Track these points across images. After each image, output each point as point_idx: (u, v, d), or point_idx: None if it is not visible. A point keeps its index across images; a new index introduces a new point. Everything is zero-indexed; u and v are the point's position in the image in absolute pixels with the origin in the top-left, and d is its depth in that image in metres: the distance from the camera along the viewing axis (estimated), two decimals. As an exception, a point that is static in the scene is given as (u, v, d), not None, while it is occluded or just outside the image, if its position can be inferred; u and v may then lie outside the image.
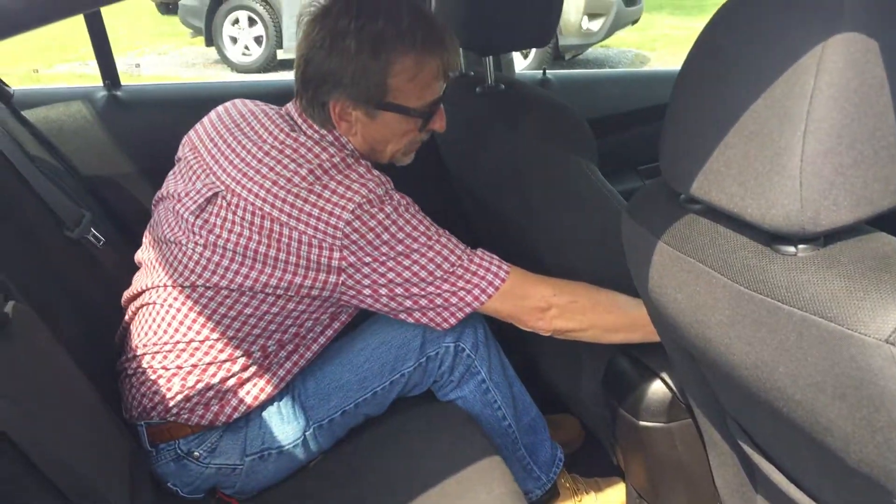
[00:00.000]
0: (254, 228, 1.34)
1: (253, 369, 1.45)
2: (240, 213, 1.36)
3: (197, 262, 1.39)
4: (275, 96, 1.67)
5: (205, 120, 1.56)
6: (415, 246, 1.34)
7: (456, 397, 1.60)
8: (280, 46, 7.97)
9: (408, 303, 1.37)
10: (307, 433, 1.51)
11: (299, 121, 1.44)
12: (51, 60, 8.93)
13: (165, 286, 1.44)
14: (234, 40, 8.19)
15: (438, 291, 1.37)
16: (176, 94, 2.39)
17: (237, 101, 1.56)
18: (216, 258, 1.37)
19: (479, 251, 1.41)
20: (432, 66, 1.38)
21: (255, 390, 1.47)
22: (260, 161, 1.38)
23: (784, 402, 0.82)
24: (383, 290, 1.36)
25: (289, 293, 1.37)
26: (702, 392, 1.14)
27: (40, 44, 9.77)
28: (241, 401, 1.47)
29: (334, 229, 1.31)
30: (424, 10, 1.40)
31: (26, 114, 1.98)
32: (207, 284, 1.38)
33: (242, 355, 1.43)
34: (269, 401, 1.50)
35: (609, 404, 1.47)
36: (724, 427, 1.14)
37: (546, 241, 1.55)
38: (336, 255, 1.33)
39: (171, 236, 1.45)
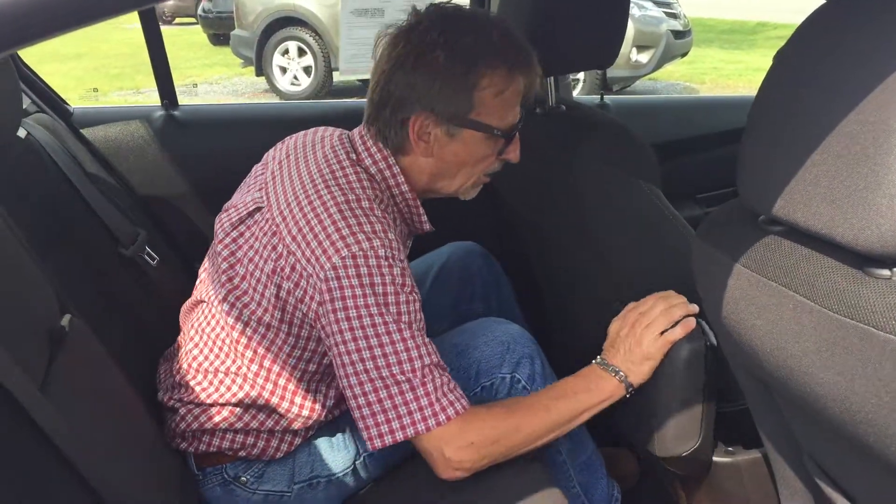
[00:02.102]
0: (267, 249, 1.31)
1: (306, 411, 1.41)
2: (265, 228, 1.33)
3: (226, 279, 1.37)
4: (332, 118, 1.66)
5: (289, 139, 1.53)
6: (380, 329, 1.23)
7: (510, 429, 1.55)
8: (332, 71, 8.02)
9: (348, 391, 1.25)
10: (357, 461, 1.47)
11: (359, 143, 1.41)
12: (105, 89, 9.18)
13: (208, 302, 1.43)
14: (284, 70, 8.30)
15: (378, 396, 1.23)
16: (233, 114, 2.41)
17: (320, 128, 1.53)
18: (231, 273, 1.36)
19: (446, 375, 1.27)
20: (518, 84, 1.35)
21: (303, 428, 1.45)
22: (303, 185, 1.35)
23: (876, 437, 0.77)
24: (339, 369, 1.26)
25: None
26: (776, 425, 1.08)
27: (97, 71, 10.06)
28: (291, 436, 1.45)
29: (321, 268, 1.24)
30: (512, 30, 1.38)
31: (85, 132, 2.02)
32: (238, 307, 1.36)
33: (288, 393, 1.40)
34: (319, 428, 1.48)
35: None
36: (799, 464, 1.08)
37: (603, 264, 1.51)
38: (317, 297, 1.26)
39: (215, 248, 1.43)
